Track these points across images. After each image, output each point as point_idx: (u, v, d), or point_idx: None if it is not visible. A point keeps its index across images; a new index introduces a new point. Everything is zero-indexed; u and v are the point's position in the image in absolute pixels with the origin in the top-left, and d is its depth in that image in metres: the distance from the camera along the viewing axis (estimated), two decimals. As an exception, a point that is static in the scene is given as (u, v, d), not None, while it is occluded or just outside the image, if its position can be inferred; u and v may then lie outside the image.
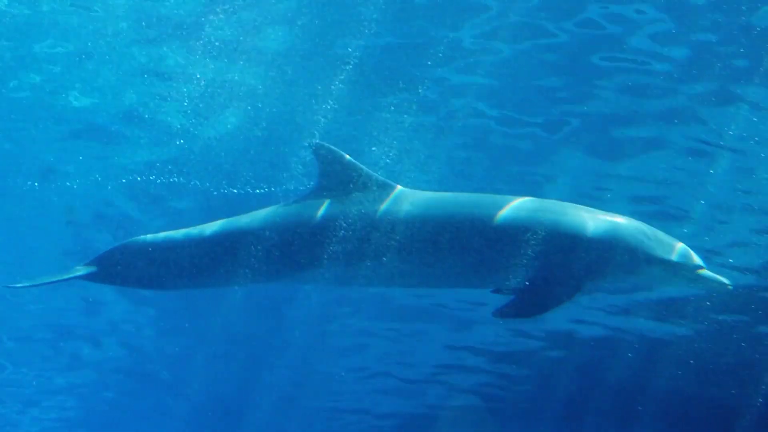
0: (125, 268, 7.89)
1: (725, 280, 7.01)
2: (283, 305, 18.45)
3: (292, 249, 7.22)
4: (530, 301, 6.86)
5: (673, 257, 6.94)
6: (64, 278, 8.11)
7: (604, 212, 7.20)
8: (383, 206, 7.15)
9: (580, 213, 7.06)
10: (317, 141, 7.61)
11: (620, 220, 7.13)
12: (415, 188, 7.53)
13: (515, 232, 6.82)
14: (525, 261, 6.77)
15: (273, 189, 12.21)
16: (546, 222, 6.86)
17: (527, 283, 6.81)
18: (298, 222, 7.28)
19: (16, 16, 9.68)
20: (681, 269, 6.95)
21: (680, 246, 7.06)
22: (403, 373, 23.29)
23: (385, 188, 7.34)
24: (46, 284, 8.53)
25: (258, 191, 12.35)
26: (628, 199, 12.22)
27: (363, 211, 7.12)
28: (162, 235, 7.94)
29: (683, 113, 10.34)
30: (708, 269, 7.07)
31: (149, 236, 7.98)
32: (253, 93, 10.73)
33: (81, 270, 8.08)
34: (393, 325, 19.25)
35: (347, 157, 7.43)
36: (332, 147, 7.45)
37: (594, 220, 6.99)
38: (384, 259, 7.00)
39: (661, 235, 7.12)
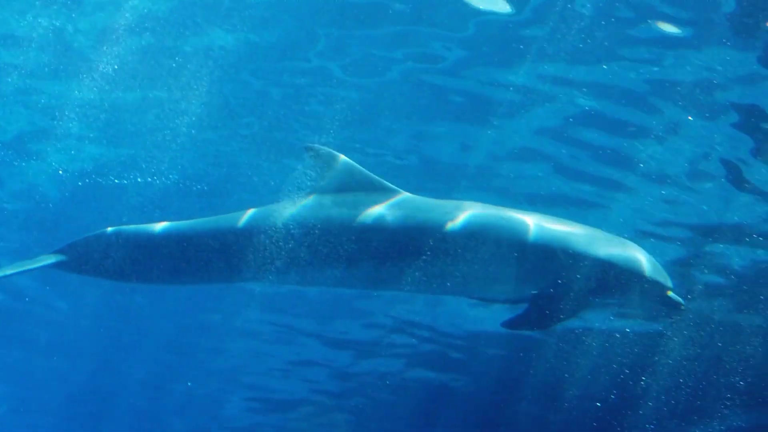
0: (99, 258, 7.58)
1: (682, 302, 7.26)
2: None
3: (280, 250, 7.10)
4: (540, 314, 6.92)
5: (662, 279, 7.14)
6: (31, 268, 7.69)
7: (603, 231, 7.37)
8: (379, 209, 7.07)
9: (585, 232, 7.19)
10: (311, 144, 7.53)
11: (621, 240, 7.29)
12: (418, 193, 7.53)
13: (515, 246, 6.84)
14: (526, 275, 6.84)
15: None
16: (550, 238, 6.90)
17: (535, 296, 6.86)
18: (287, 222, 7.16)
19: None
20: (663, 291, 7.14)
21: (662, 268, 7.31)
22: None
23: (383, 191, 7.28)
24: (9, 276, 7.96)
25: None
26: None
27: (358, 213, 7.04)
28: (143, 227, 7.70)
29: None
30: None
31: (128, 227, 7.74)
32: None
33: (49, 258, 7.70)
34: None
35: (343, 158, 7.37)
36: (327, 149, 7.42)
37: (597, 239, 7.12)
38: (377, 262, 6.96)
39: (650, 256, 7.29)
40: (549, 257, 6.82)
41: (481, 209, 7.20)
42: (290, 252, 7.05)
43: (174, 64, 9.98)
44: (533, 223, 7.02)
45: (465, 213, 7.06)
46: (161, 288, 15.11)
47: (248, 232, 7.21)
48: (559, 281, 6.81)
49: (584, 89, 9.67)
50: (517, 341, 17.60)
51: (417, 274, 6.93)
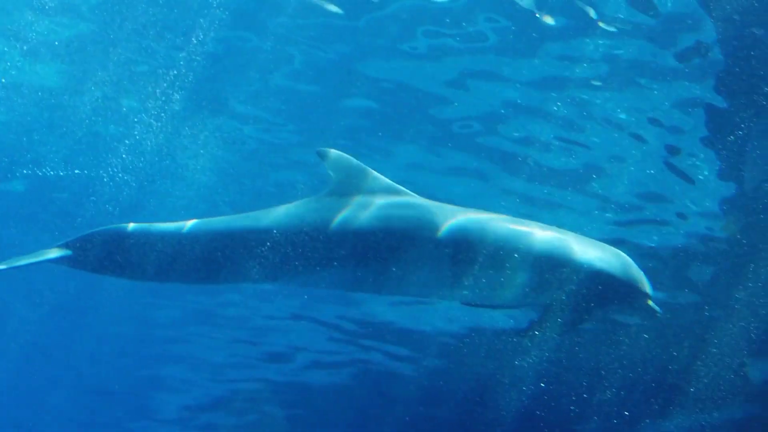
0: (105, 255, 7.48)
1: (659, 310, 7.35)
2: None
3: (295, 251, 7.07)
4: (548, 323, 6.98)
5: (646, 288, 7.26)
6: (34, 261, 7.49)
7: (599, 241, 7.44)
8: (387, 212, 7.10)
9: (584, 242, 7.24)
10: (324, 148, 7.46)
11: (615, 251, 7.37)
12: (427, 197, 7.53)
13: (518, 254, 6.85)
14: (529, 282, 6.88)
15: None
16: (551, 248, 6.97)
17: (545, 305, 6.96)
18: (301, 224, 7.14)
19: None
20: (645, 299, 7.23)
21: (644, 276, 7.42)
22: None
23: (393, 193, 7.30)
24: (8, 269, 7.59)
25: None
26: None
27: (368, 215, 7.04)
28: (152, 225, 7.61)
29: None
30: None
31: (136, 224, 7.60)
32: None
33: (53, 252, 7.53)
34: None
35: (353, 160, 7.41)
36: (341, 152, 7.42)
37: (591, 245, 7.20)
38: (384, 265, 6.99)
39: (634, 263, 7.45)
40: (554, 266, 6.88)
41: (486, 215, 7.26)
42: (302, 254, 7.05)
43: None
44: (535, 232, 7.08)
45: (472, 218, 7.12)
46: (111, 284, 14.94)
47: (261, 233, 7.17)
48: (559, 287, 6.87)
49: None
50: (456, 341, 17.90)
51: (421, 277, 7.01)
